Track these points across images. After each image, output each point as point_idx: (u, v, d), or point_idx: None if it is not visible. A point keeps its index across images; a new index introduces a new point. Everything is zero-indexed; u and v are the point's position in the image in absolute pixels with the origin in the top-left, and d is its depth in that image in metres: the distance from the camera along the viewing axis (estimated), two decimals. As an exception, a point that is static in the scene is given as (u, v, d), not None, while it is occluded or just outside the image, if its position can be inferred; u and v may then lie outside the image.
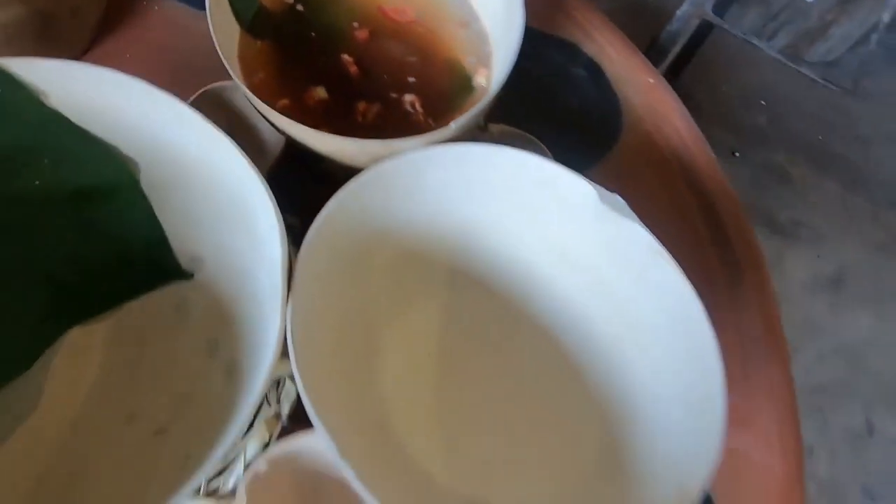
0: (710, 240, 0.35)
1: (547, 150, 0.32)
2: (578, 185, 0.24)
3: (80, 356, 0.25)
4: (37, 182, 0.24)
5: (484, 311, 0.28)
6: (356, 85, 0.30)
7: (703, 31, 0.93)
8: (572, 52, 0.40)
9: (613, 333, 0.26)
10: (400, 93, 0.30)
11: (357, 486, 0.17)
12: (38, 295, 0.24)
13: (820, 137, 1.08)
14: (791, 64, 1.01)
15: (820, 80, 0.93)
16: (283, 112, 0.25)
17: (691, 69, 1.01)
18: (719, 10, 0.86)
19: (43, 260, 0.24)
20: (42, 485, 0.22)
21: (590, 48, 0.40)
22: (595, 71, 0.40)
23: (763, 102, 1.09)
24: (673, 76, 1.02)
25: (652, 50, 0.85)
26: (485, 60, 0.31)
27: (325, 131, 0.24)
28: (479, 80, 0.31)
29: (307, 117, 0.25)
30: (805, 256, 0.94)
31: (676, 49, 0.73)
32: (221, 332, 0.24)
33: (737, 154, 1.01)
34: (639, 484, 0.21)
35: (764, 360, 0.30)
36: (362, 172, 0.23)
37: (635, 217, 0.23)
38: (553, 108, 0.38)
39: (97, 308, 0.25)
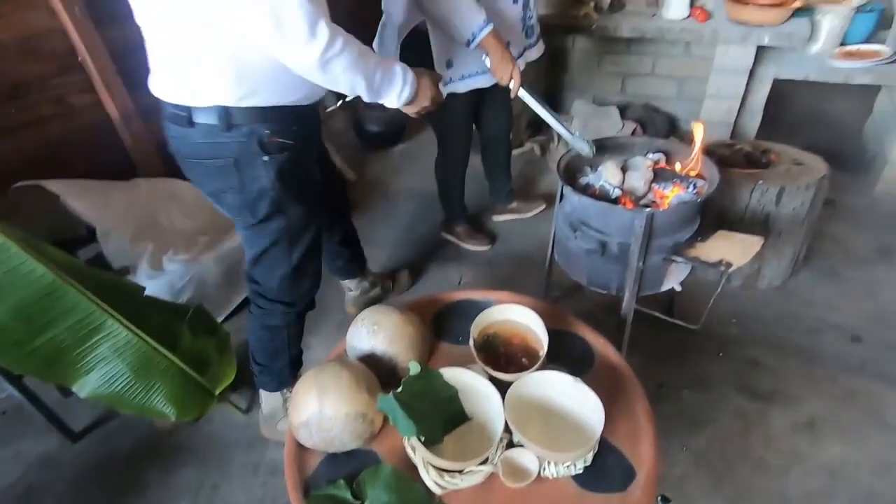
0: (624, 400, 1.03)
1: (563, 369, 1.05)
2: (566, 377, 0.97)
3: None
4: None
5: (540, 412, 0.98)
6: (503, 357, 1.08)
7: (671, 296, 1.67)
8: (572, 336, 1.17)
9: (578, 407, 0.95)
10: (519, 358, 1.07)
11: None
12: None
13: (779, 335, 1.67)
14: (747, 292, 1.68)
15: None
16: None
17: (680, 307, 1.73)
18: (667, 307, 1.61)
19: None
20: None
21: (580, 333, 1.17)
22: (582, 341, 1.15)
23: (734, 320, 1.74)
24: (669, 315, 1.72)
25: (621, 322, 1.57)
26: (542, 348, 1.08)
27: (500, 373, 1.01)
28: (541, 353, 1.07)
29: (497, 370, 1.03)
30: (782, 412, 1.44)
31: (629, 322, 1.42)
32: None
33: (721, 354, 1.63)
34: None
35: (644, 426, 0.95)
36: (517, 381, 0.98)
37: (582, 382, 0.95)
38: (568, 356, 1.13)
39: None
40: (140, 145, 2.10)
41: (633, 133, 2.61)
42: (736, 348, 1.64)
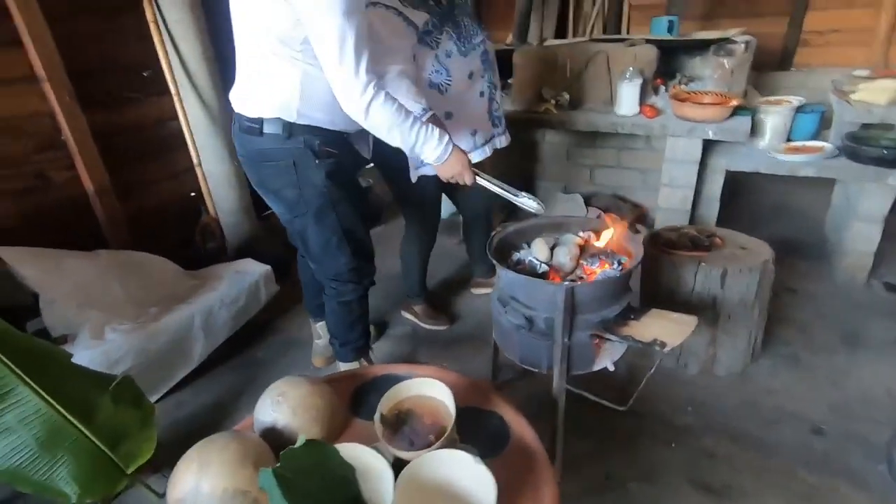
0: (533, 484, 0.95)
1: (474, 449, 0.98)
2: (466, 457, 0.90)
3: None
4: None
5: (437, 495, 0.89)
6: (411, 435, 1.01)
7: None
8: (490, 414, 1.10)
9: (476, 489, 0.86)
10: (426, 436, 1.00)
11: None
12: None
13: (737, 425, 1.57)
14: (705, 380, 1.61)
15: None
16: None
17: (638, 397, 1.64)
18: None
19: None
20: None
21: (499, 411, 1.11)
22: (500, 420, 1.09)
23: (690, 408, 1.65)
24: (622, 404, 1.63)
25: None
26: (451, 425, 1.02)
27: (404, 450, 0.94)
28: (452, 433, 1.00)
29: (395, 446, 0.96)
30: (737, 510, 1.31)
31: (562, 403, 1.35)
32: None
33: (673, 444, 1.52)
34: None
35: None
36: (415, 460, 0.91)
37: (481, 462, 0.88)
38: (483, 435, 1.06)
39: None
40: (113, 220, 2.17)
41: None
42: (690, 438, 1.53)
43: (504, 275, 1.29)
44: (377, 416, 1.02)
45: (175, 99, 2.29)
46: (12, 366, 1.22)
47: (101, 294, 1.79)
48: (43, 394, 1.26)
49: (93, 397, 1.37)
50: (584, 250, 1.34)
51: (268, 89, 1.30)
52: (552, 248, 1.34)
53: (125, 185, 2.22)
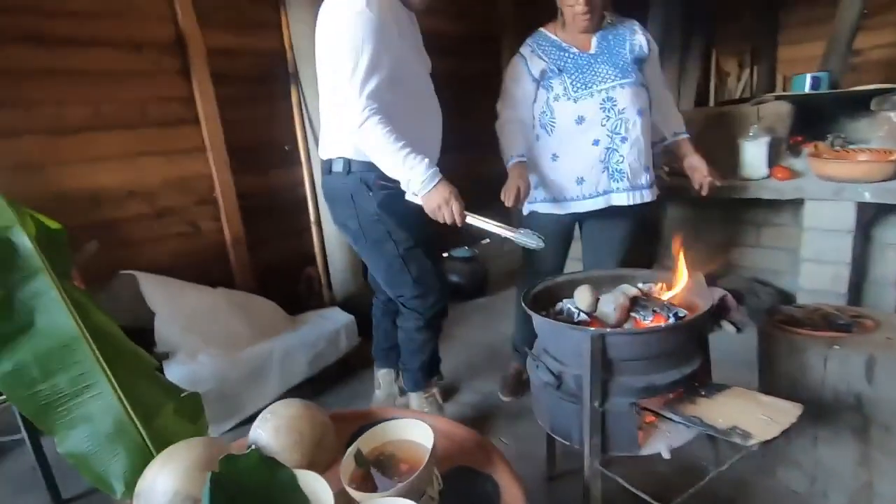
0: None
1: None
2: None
3: None
4: None
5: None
6: (378, 478, 0.88)
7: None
8: (486, 478, 0.91)
9: None
10: (397, 484, 0.86)
11: None
12: None
13: None
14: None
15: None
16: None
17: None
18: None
19: None
20: None
21: (496, 476, 0.91)
22: (494, 486, 0.89)
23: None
24: None
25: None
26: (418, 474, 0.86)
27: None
28: (413, 484, 0.85)
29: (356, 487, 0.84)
30: None
31: (596, 491, 1.05)
32: None
33: None
34: None
35: None
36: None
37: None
38: (470, 499, 0.87)
39: None
40: (242, 265, 2.52)
41: (723, 300, 2.25)
42: None
43: (534, 321, 1.13)
44: (351, 451, 0.93)
45: (304, 168, 2.66)
46: (104, 362, 1.42)
47: (207, 323, 2.03)
48: (120, 392, 1.43)
49: (158, 404, 1.51)
50: (636, 302, 1.11)
51: (335, 134, 1.49)
52: (599, 297, 1.14)
53: (256, 238, 2.58)
